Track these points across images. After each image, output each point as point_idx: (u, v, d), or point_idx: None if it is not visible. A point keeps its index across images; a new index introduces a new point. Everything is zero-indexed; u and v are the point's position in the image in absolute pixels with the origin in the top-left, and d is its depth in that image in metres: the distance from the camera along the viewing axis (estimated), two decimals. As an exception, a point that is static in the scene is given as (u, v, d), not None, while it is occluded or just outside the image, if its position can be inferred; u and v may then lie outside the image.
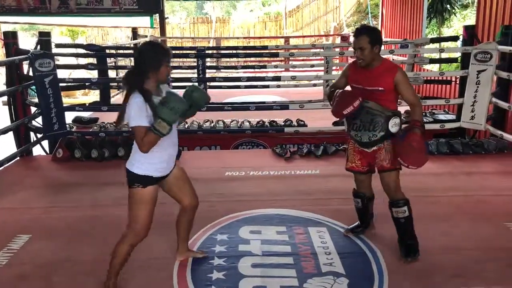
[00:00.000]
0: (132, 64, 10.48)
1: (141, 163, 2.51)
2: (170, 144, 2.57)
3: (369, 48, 2.82)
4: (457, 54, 7.03)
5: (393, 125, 2.89)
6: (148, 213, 2.56)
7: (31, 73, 5.32)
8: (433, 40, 7.57)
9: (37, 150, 5.81)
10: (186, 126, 6.05)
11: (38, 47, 5.70)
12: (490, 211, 3.74)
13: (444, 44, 9.12)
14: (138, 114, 2.37)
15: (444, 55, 8.76)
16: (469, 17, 13.66)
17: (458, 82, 6.28)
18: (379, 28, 12.42)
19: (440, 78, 7.09)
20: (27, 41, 16.05)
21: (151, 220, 2.60)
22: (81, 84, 6.81)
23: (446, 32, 13.63)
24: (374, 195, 3.23)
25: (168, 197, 4.08)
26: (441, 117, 6.26)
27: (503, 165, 4.90)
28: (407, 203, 2.97)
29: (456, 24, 13.95)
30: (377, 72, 2.88)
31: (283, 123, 6.08)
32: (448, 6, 12.75)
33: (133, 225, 2.57)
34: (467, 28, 6.16)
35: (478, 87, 5.29)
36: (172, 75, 5.67)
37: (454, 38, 8.25)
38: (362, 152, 3.03)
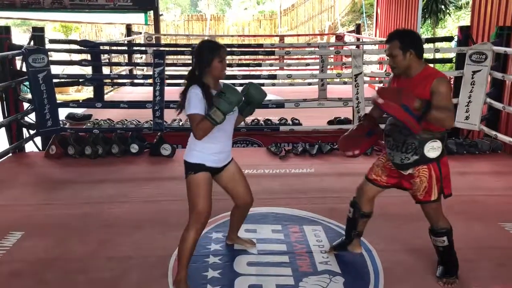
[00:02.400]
0: (126, 61, 10.48)
1: (195, 152, 2.66)
2: (224, 136, 2.69)
3: (400, 54, 2.52)
4: (452, 55, 7.06)
5: (431, 149, 2.55)
6: (203, 198, 2.63)
7: (24, 69, 5.27)
8: (427, 40, 7.60)
9: (29, 147, 5.76)
10: (181, 123, 6.03)
11: (32, 42, 5.65)
12: (484, 211, 3.76)
13: (438, 45, 9.17)
14: (195, 103, 2.53)
15: (439, 55, 8.80)
16: (463, 18, 13.75)
17: (452, 82, 6.31)
18: (374, 28, 12.45)
19: (435, 78, 7.11)
20: (20, 37, 15.92)
21: (209, 205, 2.66)
22: (75, 80, 6.77)
23: (440, 32, 13.70)
24: (371, 213, 2.91)
25: (162, 195, 4.09)
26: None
27: (497, 165, 4.93)
28: (448, 232, 2.70)
29: (450, 25, 14.03)
30: (415, 81, 2.54)
31: (278, 122, 6.08)
32: (442, 6, 12.82)
33: (192, 212, 2.64)
34: (462, 29, 6.19)
35: (473, 87, 5.31)
36: (166, 72, 5.64)
37: (449, 39, 8.30)
38: (394, 171, 2.72)
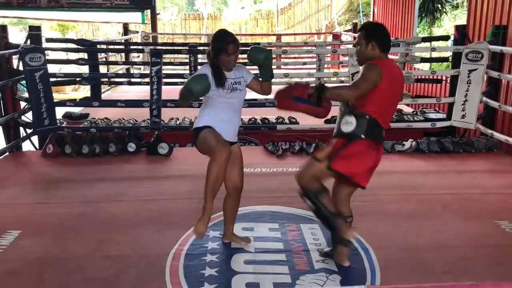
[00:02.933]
0: (123, 60, 10.48)
1: (202, 118, 2.85)
2: (229, 108, 2.84)
3: (363, 44, 2.61)
4: (448, 54, 7.08)
5: (344, 123, 2.61)
6: (217, 142, 2.71)
7: (21, 68, 5.26)
8: (424, 39, 7.62)
9: (26, 146, 5.75)
10: (178, 122, 6.03)
11: (28, 41, 5.64)
12: (479, 209, 3.78)
13: (435, 44, 9.19)
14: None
15: (435, 54, 8.82)
16: (460, 17, 13.78)
17: (449, 81, 6.33)
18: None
19: (431, 77, 7.14)
20: (16, 36, 15.86)
21: (226, 146, 2.73)
22: (72, 79, 6.76)
23: (437, 31, 13.74)
24: (341, 214, 2.74)
25: (159, 194, 4.10)
26: (432, 116, 6.31)
27: (493, 164, 4.95)
28: (309, 194, 2.68)
29: (447, 24, 14.07)
30: None
31: (275, 121, 6.08)
32: (439, 5, 12.85)
33: (212, 156, 2.70)
34: (458, 28, 6.22)
35: (469, 86, 5.33)
36: (163, 71, 5.64)
37: (445, 38, 8.31)
38: None
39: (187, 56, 7.81)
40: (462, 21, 11.78)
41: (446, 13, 13.61)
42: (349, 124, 2.58)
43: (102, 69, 9.24)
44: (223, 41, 2.78)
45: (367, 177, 2.66)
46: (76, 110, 6.57)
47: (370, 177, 2.68)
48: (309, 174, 2.68)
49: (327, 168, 2.62)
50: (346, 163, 2.60)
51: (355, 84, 2.55)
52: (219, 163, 2.67)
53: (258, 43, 8.51)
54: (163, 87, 5.53)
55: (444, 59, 7.56)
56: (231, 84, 2.83)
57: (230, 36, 2.83)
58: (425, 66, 10.01)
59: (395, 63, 2.74)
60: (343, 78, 7.12)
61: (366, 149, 2.61)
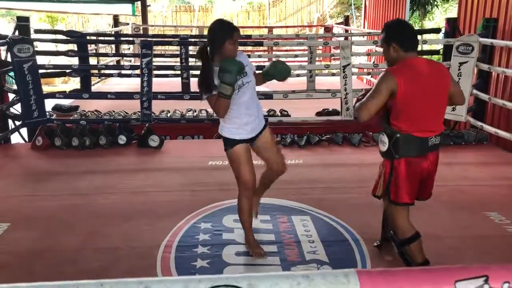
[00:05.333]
0: (113, 52, 10.38)
1: (226, 128, 2.81)
2: (245, 109, 2.77)
3: (385, 47, 2.44)
4: (439, 46, 7.10)
5: (380, 142, 2.52)
6: (245, 167, 2.82)
7: (9, 59, 5.19)
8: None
9: (15, 138, 5.69)
10: (169, 115, 6.00)
11: (17, 32, 5.56)
12: (469, 201, 3.81)
13: (426, 36, 9.20)
14: None
15: (426, 47, 8.84)
16: (451, 10, 13.82)
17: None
18: (363, 20, 12.46)
19: (422, 70, 7.14)
20: (5, 27, 15.65)
21: (252, 172, 2.85)
22: (61, 71, 6.68)
23: (428, 24, 13.78)
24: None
25: (150, 186, 4.08)
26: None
27: (482, 156, 4.99)
28: (400, 245, 2.60)
29: (438, 17, 14.11)
30: None
31: (267, 113, 6.07)
32: (430, -1, 12.89)
33: (239, 181, 2.86)
34: (449, 21, 6.23)
35: (459, 78, 5.35)
36: (154, 63, 5.60)
37: (436, 31, 8.32)
38: None
39: (178, 48, 7.75)
40: (453, 14, 11.82)
41: (437, 6, 13.65)
42: (383, 144, 2.48)
43: (92, 61, 9.14)
44: (228, 28, 2.68)
45: (412, 194, 2.54)
46: (66, 102, 6.52)
47: (415, 191, 2.57)
48: (396, 219, 2.57)
49: (391, 203, 2.54)
50: (401, 190, 2.49)
51: (365, 103, 2.40)
52: (248, 197, 2.86)
53: (250, 36, 8.48)
54: (154, 79, 5.49)
55: (435, 52, 7.56)
56: (237, 84, 2.68)
57: (231, 23, 2.80)
58: (416, 59, 10.02)
59: (424, 60, 2.47)
60: (334, 71, 7.13)
61: (407, 168, 2.46)
